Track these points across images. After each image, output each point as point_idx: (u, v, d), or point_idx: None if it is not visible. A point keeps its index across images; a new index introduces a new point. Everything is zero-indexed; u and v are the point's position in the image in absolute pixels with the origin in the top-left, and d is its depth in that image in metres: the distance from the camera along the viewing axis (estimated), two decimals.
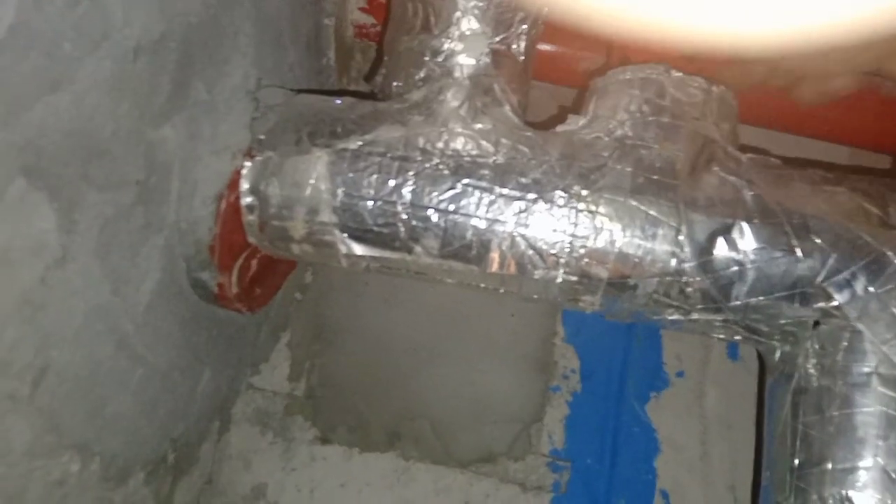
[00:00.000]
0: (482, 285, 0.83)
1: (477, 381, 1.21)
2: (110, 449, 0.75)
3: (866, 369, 0.69)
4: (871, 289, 0.71)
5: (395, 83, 0.89)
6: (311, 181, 0.78)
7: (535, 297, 0.83)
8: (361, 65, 1.38)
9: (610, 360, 1.24)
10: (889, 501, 0.65)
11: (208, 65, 0.76)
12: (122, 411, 0.75)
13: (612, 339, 1.26)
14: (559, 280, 0.77)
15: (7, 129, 0.50)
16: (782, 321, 0.74)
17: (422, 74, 0.86)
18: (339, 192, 0.78)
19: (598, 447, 1.18)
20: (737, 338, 0.79)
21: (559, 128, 0.85)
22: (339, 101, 0.86)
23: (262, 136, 0.81)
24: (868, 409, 0.68)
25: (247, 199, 0.80)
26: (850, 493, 0.66)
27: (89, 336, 0.66)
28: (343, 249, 0.80)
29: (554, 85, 1.34)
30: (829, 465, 0.67)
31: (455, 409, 1.19)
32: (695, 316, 0.77)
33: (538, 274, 0.78)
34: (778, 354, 0.77)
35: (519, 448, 1.17)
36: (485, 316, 1.26)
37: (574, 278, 0.77)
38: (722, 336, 0.80)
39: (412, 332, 1.24)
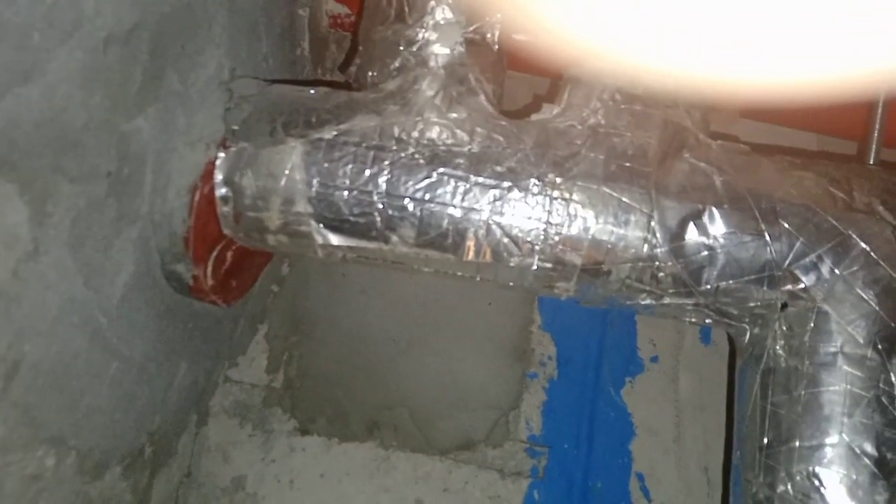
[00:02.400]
0: (459, 273, 0.84)
1: (455, 370, 1.22)
2: (86, 443, 0.75)
3: (832, 349, 0.71)
4: (836, 271, 0.73)
5: (370, 73, 0.89)
6: (286, 171, 0.78)
7: (511, 284, 0.84)
8: (336, 55, 1.37)
9: (586, 347, 1.26)
10: (854, 476, 0.67)
11: (181, 55, 0.75)
12: (98, 404, 0.75)
13: (588, 325, 1.28)
14: (534, 267, 0.78)
15: None
16: (751, 304, 0.76)
17: (396, 64, 0.86)
18: (315, 182, 0.78)
19: (574, 432, 1.20)
20: (708, 321, 0.81)
21: (533, 116, 0.86)
22: (313, 91, 0.85)
23: (235, 127, 0.80)
24: (834, 388, 0.70)
25: (221, 191, 0.79)
26: (817, 469, 0.68)
27: (63, 329, 0.65)
28: (319, 240, 0.80)
29: (530, 75, 1.35)
30: (797, 443, 0.69)
31: (434, 397, 1.20)
32: (667, 300, 0.78)
33: (514, 261, 0.79)
34: (747, 337, 0.79)
35: (497, 435, 1.19)
36: (462, 305, 1.27)
37: (549, 265, 0.78)
38: (694, 320, 0.82)
39: (390, 323, 1.25)
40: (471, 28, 0.86)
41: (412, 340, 1.24)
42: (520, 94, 1.34)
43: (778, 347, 0.75)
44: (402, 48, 0.86)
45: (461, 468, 1.15)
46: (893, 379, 0.68)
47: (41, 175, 0.57)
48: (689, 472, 1.19)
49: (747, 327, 0.79)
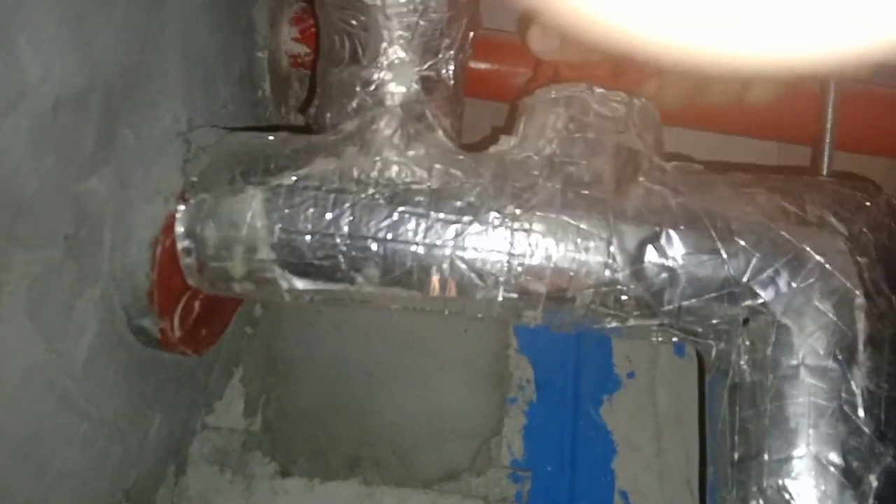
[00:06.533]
0: (427, 309, 0.85)
1: (435, 400, 1.22)
2: None
3: (794, 362, 0.72)
4: (793, 284, 0.75)
5: (328, 114, 0.90)
6: (248, 220, 0.78)
7: (480, 316, 0.84)
8: (299, 93, 1.38)
9: (563, 367, 1.27)
10: (823, 487, 0.68)
11: (134, 111, 0.75)
12: (69, 468, 0.74)
13: (564, 346, 1.28)
14: (500, 298, 0.79)
15: None
16: (714, 321, 0.77)
17: (354, 105, 0.87)
18: (277, 228, 0.78)
19: (557, 454, 1.20)
20: (674, 339, 0.82)
21: (492, 149, 0.87)
22: (272, 137, 0.86)
23: (194, 178, 0.80)
24: (798, 400, 0.71)
25: (183, 243, 0.79)
26: (786, 482, 0.69)
27: (28, 395, 0.65)
28: (285, 285, 0.81)
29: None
30: (766, 457, 0.70)
31: (415, 429, 1.20)
32: (632, 322, 0.79)
33: (479, 294, 0.79)
34: (713, 353, 0.80)
35: (480, 462, 1.18)
36: (438, 334, 1.27)
37: (514, 295, 0.79)
38: (660, 339, 0.83)
39: (367, 357, 1.25)
40: (425, 66, 0.87)
41: (390, 373, 1.24)
42: (484, 118, 1.36)
43: (742, 362, 0.76)
44: (358, 89, 0.86)
45: (446, 499, 1.15)
46: (854, 388, 0.70)
47: None
48: (672, 485, 1.19)
49: (713, 343, 0.80)
